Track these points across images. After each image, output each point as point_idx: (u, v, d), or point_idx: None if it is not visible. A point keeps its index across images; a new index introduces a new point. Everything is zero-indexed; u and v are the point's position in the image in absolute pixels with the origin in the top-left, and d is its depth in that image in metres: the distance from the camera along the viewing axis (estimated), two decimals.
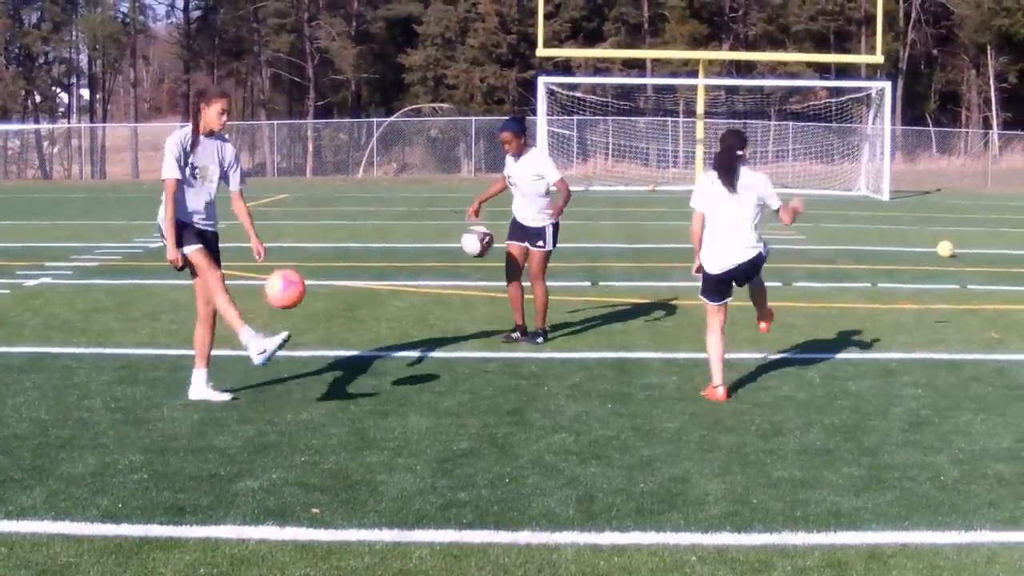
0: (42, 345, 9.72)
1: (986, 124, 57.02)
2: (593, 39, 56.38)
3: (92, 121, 61.69)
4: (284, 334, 7.36)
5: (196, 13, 64.32)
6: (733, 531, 5.30)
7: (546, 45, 42.18)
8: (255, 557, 4.92)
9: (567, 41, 54.17)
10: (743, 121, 44.64)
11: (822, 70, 55.51)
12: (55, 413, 7.34)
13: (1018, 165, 50.52)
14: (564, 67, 52.72)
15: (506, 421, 7.27)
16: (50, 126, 60.69)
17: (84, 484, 5.87)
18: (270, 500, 5.67)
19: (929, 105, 60.12)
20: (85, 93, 66.27)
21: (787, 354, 9.53)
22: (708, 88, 43.33)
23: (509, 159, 10.14)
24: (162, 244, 7.65)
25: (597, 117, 45.97)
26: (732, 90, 49.88)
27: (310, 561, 4.89)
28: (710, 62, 47.47)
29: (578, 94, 44.64)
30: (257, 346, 7.29)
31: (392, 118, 53.03)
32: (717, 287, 8.07)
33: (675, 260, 16.33)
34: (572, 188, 10.43)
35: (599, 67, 55.20)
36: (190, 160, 7.51)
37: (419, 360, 9.22)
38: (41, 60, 60.90)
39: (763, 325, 8.61)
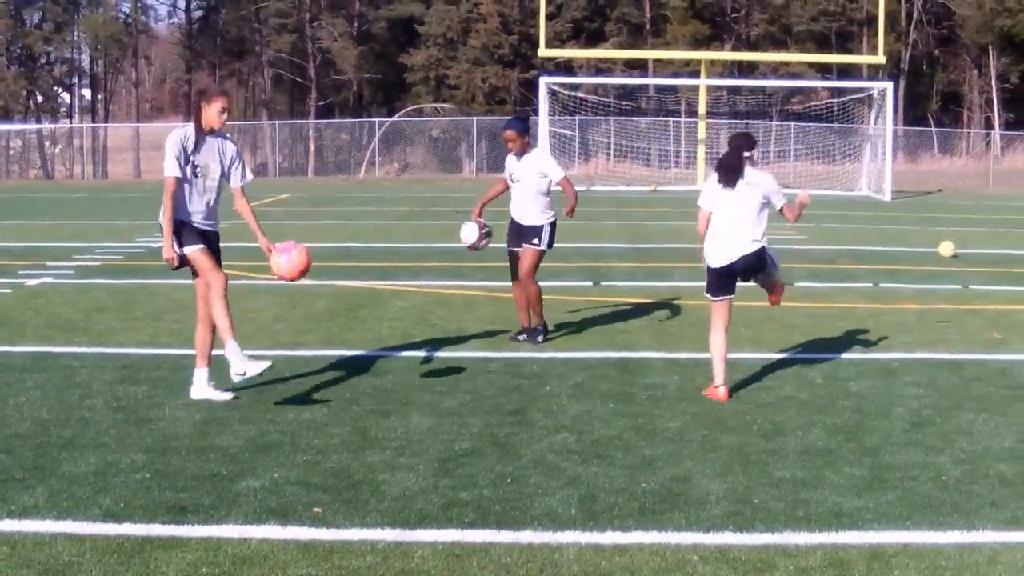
0: (44, 345, 9.72)
1: (988, 124, 57.00)
2: (595, 39, 56.38)
3: (94, 121, 61.72)
4: (267, 364, 7.43)
5: (198, 13, 64.40)
6: (735, 531, 5.30)
7: (548, 45, 42.22)
8: (257, 556, 4.93)
9: (569, 41, 54.19)
10: (745, 121, 44.60)
11: (824, 70, 55.51)
12: (57, 412, 7.34)
13: (1020, 165, 50.51)
14: (566, 67, 52.74)
15: (508, 421, 7.27)
16: (52, 126, 60.73)
17: (86, 483, 5.88)
18: (272, 499, 5.67)
19: (931, 105, 60.12)
20: (87, 93, 66.30)
21: (789, 354, 9.53)
22: (710, 88, 43.35)
23: (511, 158, 10.15)
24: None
25: (599, 117, 45.96)
26: (734, 90, 49.89)
27: (312, 560, 4.90)
28: (712, 62, 47.49)
29: (580, 94, 44.63)
30: (239, 366, 7.38)
31: (394, 118, 53.04)
32: (719, 281, 8.09)
33: (677, 260, 16.34)
34: (574, 188, 10.43)
35: (601, 67, 55.20)
36: (191, 158, 7.51)
37: (421, 360, 9.22)
38: (43, 60, 60.94)
39: (773, 297, 8.64)
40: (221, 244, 7.88)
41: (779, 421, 7.35)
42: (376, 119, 53.99)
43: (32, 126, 58.05)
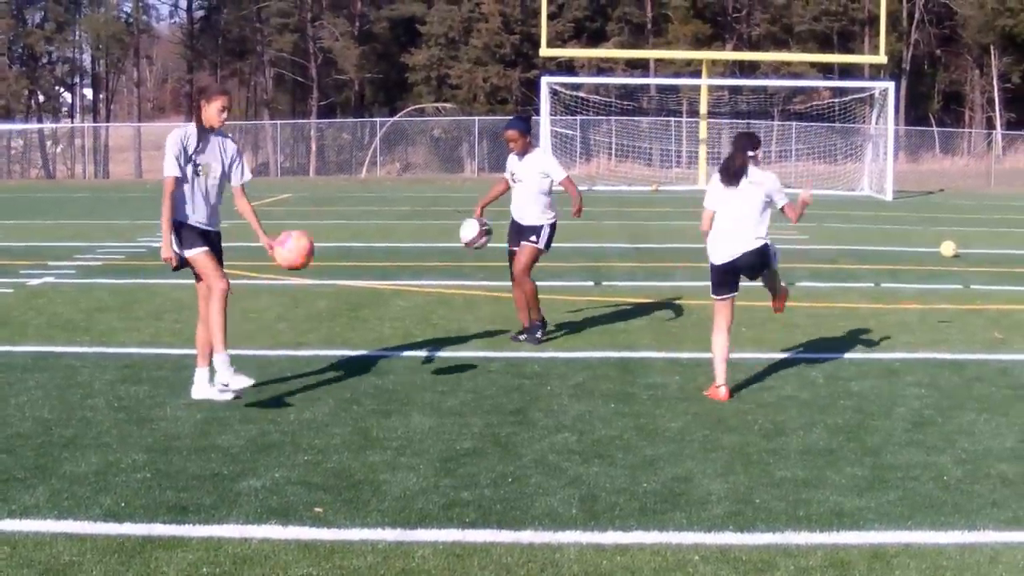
0: (45, 344, 9.73)
1: (989, 124, 57.00)
2: (596, 39, 56.38)
3: (95, 121, 61.75)
4: (251, 382, 7.44)
5: (199, 13, 64.44)
6: (736, 531, 5.30)
7: (549, 45, 42.25)
8: (258, 556, 4.93)
9: (570, 41, 54.19)
10: (746, 121, 44.57)
11: (825, 70, 55.51)
12: (58, 412, 7.35)
13: (1022, 165, 50.50)
14: (567, 67, 52.74)
15: (509, 420, 7.27)
16: (53, 126, 60.76)
17: (87, 483, 5.88)
18: (273, 499, 5.67)
19: (932, 105, 60.10)
20: (88, 93, 66.33)
21: (790, 354, 9.53)
22: (711, 88, 43.37)
23: (513, 158, 10.14)
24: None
25: (600, 117, 45.95)
26: (735, 90, 49.90)
27: (313, 560, 4.89)
28: (713, 62, 47.53)
29: (581, 94, 44.63)
30: (224, 376, 7.42)
31: (395, 118, 53.05)
32: (722, 278, 8.09)
33: (678, 260, 16.33)
34: (577, 188, 10.43)
35: (602, 67, 55.20)
36: (193, 158, 7.49)
37: (422, 359, 9.22)
38: (44, 60, 60.98)
39: (777, 304, 8.64)
40: (224, 244, 7.87)
41: (780, 421, 7.34)
42: (378, 119, 54.00)
43: (34, 126, 58.08)
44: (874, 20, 52.80)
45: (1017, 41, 56.28)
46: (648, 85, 50.37)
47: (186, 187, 7.49)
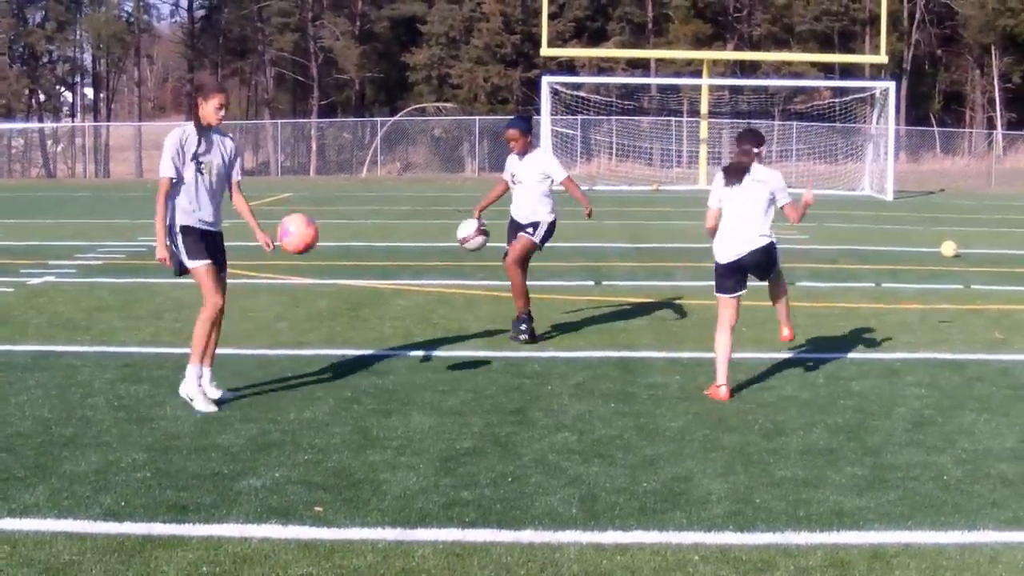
0: (46, 343, 9.73)
1: (990, 124, 57.00)
2: (597, 39, 56.39)
3: (96, 120, 61.78)
4: (213, 409, 7.39)
5: (200, 12, 64.45)
6: (736, 530, 5.30)
7: (550, 45, 42.24)
8: (258, 556, 4.92)
9: (571, 41, 54.20)
10: (747, 121, 44.59)
11: (826, 70, 55.51)
12: (58, 411, 7.35)
13: (1022, 165, 50.50)
14: (568, 67, 52.75)
15: (509, 420, 7.27)
16: (54, 125, 60.78)
17: (87, 482, 5.88)
18: (273, 499, 5.67)
19: (933, 105, 60.10)
20: (89, 92, 66.37)
21: (791, 354, 9.52)
22: (712, 88, 43.37)
23: (513, 158, 10.14)
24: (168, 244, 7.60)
25: (601, 117, 45.96)
26: (736, 90, 49.89)
27: (313, 560, 4.89)
28: (714, 62, 47.52)
29: (582, 94, 44.64)
30: (189, 389, 7.46)
31: (396, 117, 53.05)
32: (730, 276, 8.09)
33: (679, 260, 16.34)
34: (579, 187, 10.42)
35: (603, 67, 55.20)
36: (195, 156, 7.46)
37: (422, 359, 9.22)
38: (45, 59, 61.01)
39: (786, 332, 8.50)
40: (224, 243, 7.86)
41: (781, 421, 7.34)
42: (378, 118, 54.00)
43: (34, 125, 58.09)
44: (875, 20, 52.83)
45: (1018, 41, 56.28)
46: (649, 85, 50.37)
47: (190, 186, 7.44)
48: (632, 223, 23.72)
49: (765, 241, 8.06)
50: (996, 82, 57.62)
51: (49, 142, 57.99)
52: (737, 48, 57.06)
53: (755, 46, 57.57)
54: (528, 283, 10.34)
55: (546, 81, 38.68)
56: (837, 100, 45.01)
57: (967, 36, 58.21)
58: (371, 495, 5.74)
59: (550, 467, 6.26)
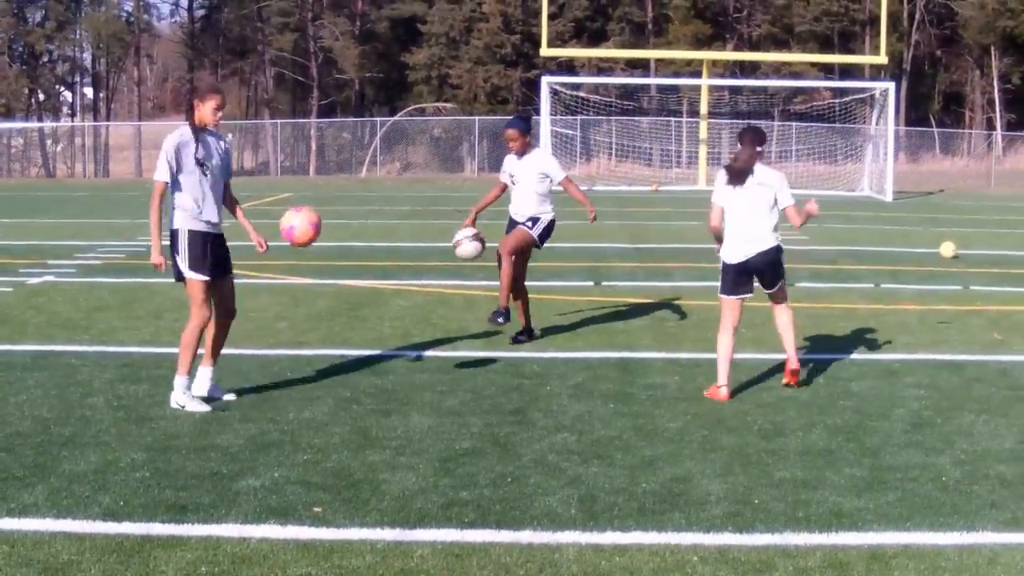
0: (45, 343, 9.73)
1: (990, 125, 57.01)
2: (597, 39, 56.38)
3: (96, 120, 61.75)
4: (207, 408, 7.39)
5: (200, 12, 64.41)
6: (735, 531, 5.30)
7: (550, 45, 42.25)
8: (257, 556, 4.93)
9: (571, 41, 54.20)
10: (747, 121, 44.50)
11: (826, 71, 55.52)
12: (57, 411, 7.35)
13: (1021, 166, 50.51)
14: (568, 67, 52.75)
15: (508, 420, 7.27)
16: (54, 124, 60.77)
17: (86, 482, 5.88)
18: (272, 499, 5.67)
19: (933, 106, 60.11)
20: (89, 92, 66.32)
21: None
22: (712, 88, 43.38)
23: (511, 158, 10.12)
24: (167, 244, 7.60)
25: (601, 117, 45.96)
26: (736, 90, 49.91)
27: (312, 560, 4.89)
28: (714, 62, 47.54)
29: (582, 94, 44.64)
30: (180, 398, 7.44)
31: (396, 117, 53.05)
32: (736, 279, 8.09)
33: (678, 260, 16.34)
34: (578, 188, 10.41)
35: (603, 67, 55.21)
36: (197, 157, 7.45)
37: (422, 359, 9.22)
38: (45, 58, 60.97)
39: (794, 365, 8.21)
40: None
41: (780, 421, 7.34)
42: (378, 118, 54.00)
43: (34, 124, 58.06)
44: (875, 21, 52.84)
45: (1018, 42, 56.29)
46: (648, 85, 50.39)
47: (195, 188, 7.41)
48: (631, 223, 23.72)
49: (774, 244, 8.07)
50: (996, 83, 57.63)
51: (49, 142, 57.97)
52: (737, 48, 57.07)
53: (755, 46, 57.58)
54: (528, 283, 10.34)
55: (546, 81, 38.68)
56: (837, 101, 45.03)
57: (967, 37, 58.22)
58: (370, 495, 5.74)
59: (549, 468, 6.26)
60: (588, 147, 45.55)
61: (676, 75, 51.47)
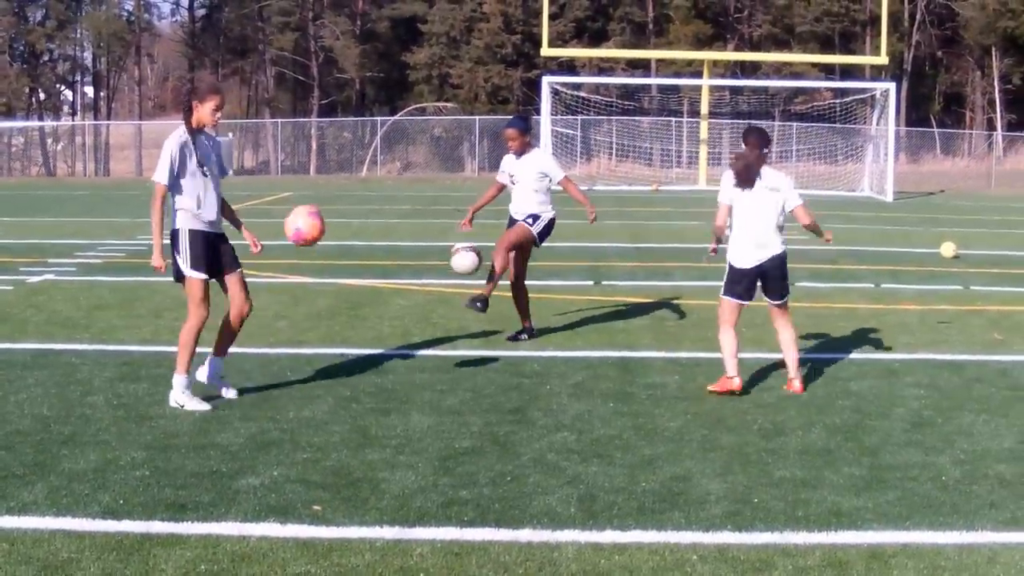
0: (45, 342, 9.73)
1: (990, 126, 57.01)
2: (597, 39, 56.38)
3: (96, 119, 61.77)
4: (207, 407, 7.38)
5: (201, 11, 64.42)
6: (734, 530, 5.30)
7: (550, 45, 42.23)
8: (256, 554, 4.93)
9: (571, 41, 54.19)
10: (747, 121, 44.51)
11: (827, 71, 55.51)
12: (57, 409, 7.35)
13: (1022, 167, 50.51)
14: (568, 67, 52.74)
15: (508, 419, 7.27)
16: (54, 123, 60.78)
17: (86, 480, 5.88)
18: (271, 497, 5.67)
19: (933, 106, 60.12)
20: (89, 91, 66.34)
21: None
22: (712, 88, 43.37)
23: (510, 158, 10.12)
24: (167, 243, 7.59)
25: (601, 117, 45.97)
26: (736, 90, 49.90)
27: (311, 558, 4.90)
28: (715, 62, 47.51)
29: (582, 94, 44.65)
30: (179, 397, 7.44)
31: (396, 117, 53.05)
32: (741, 283, 8.09)
33: (678, 260, 16.34)
34: (578, 187, 10.41)
35: (603, 67, 55.20)
36: (198, 158, 7.45)
37: (421, 358, 9.22)
38: (45, 57, 60.98)
39: (797, 384, 8.18)
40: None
41: (779, 421, 7.34)
42: (378, 118, 54.00)
43: (34, 123, 58.08)
44: (875, 21, 52.82)
45: (1018, 43, 56.30)
46: (649, 85, 50.39)
47: (197, 189, 7.40)
48: (632, 223, 23.72)
49: (780, 250, 8.08)
50: (996, 83, 57.63)
51: (49, 140, 57.97)
52: (737, 49, 57.06)
53: (755, 47, 57.57)
54: (528, 282, 10.34)
55: (546, 81, 38.69)
56: (837, 101, 45.04)
57: (968, 37, 58.22)
58: (369, 494, 5.74)
59: (549, 466, 6.26)
60: (589, 147, 45.56)
61: (677, 75, 51.48)
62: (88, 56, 63.74)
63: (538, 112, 39.53)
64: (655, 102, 51.02)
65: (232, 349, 7.96)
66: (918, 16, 58.57)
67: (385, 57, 59.19)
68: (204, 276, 7.47)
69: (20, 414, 7.22)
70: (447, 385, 8.21)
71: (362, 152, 52.52)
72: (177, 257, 7.46)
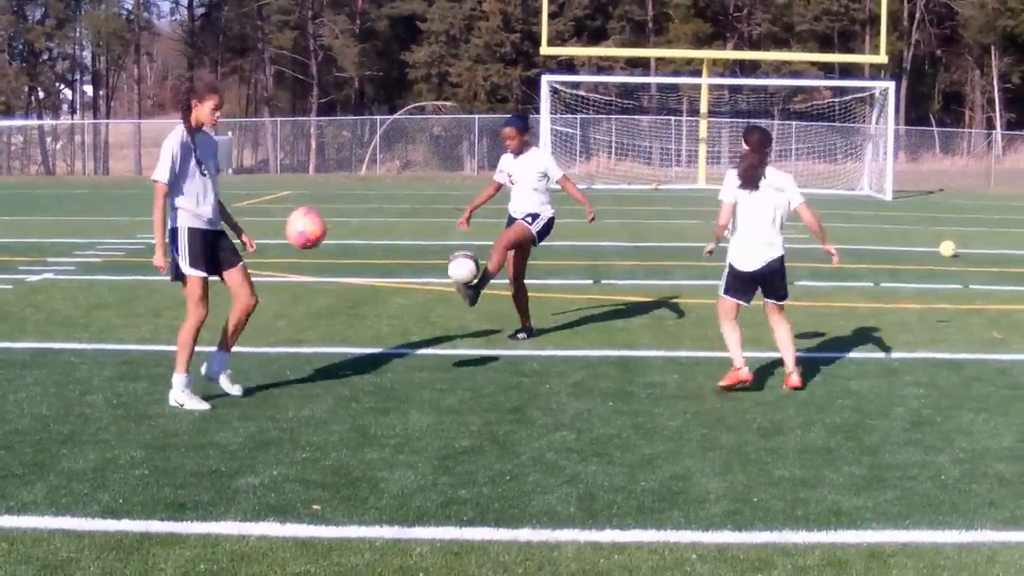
0: (44, 341, 9.72)
1: (989, 124, 57.01)
2: (597, 38, 56.38)
3: (95, 117, 61.77)
4: (206, 407, 7.38)
5: (200, 10, 64.40)
6: (734, 529, 5.30)
7: (550, 44, 42.23)
8: (255, 553, 4.92)
9: (571, 40, 54.20)
10: (747, 120, 44.52)
11: (826, 69, 55.52)
12: (56, 409, 7.34)
13: (1021, 166, 50.52)
14: (568, 65, 52.75)
15: (507, 419, 7.27)
16: (53, 122, 60.78)
17: (85, 480, 5.88)
18: (271, 496, 5.67)
19: (933, 105, 60.11)
20: (89, 89, 66.32)
21: None
22: (712, 87, 43.37)
23: (508, 157, 10.11)
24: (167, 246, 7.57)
25: (600, 116, 45.98)
26: (736, 89, 49.90)
27: (310, 558, 4.89)
28: (714, 61, 47.51)
29: (581, 92, 44.66)
30: (179, 396, 7.44)
31: (395, 116, 53.06)
32: (742, 286, 8.09)
33: (678, 259, 16.34)
34: (576, 186, 10.41)
35: (602, 66, 55.19)
36: (197, 158, 7.44)
37: (421, 357, 9.22)
38: (45, 56, 60.97)
39: (795, 378, 8.19)
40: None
41: (779, 420, 7.34)
42: (378, 116, 54.01)
43: (34, 122, 58.07)
44: (875, 20, 52.82)
45: (1018, 41, 56.29)
46: (648, 84, 50.38)
47: (196, 187, 7.41)
48: (631, 222, 23.72)
49: (781, 252, 8.10)
50: (996, 82, 57.63)
51: (48, 139, 57.97)
52: (737, 47, 57.06)
53: (755, 45, 57.56)
54: (527, 281, 10.35)
55: (546, 80, 38.69)
56: (837, 100, 45.04)
57: (967, 36, 58.22)
58: (369, 493, 5.74)
59: (548, 466, 6.26)
60: (588, 146, 45.56)
61: (676, 74, 51.45)
62: (87, 55, 63.80)
63: (537, 111, 39.53)
64: (654, 101, 51.01)
65: (232, 348, 7.95)
66: (917, 15, 58.57)
67: (384, 56, 59.18)
68: (203, 274, 7.47)
69: (19, 413, 7.22)
70: (446, 384, 8.21)
71: (361, 151, 52.52)
72: (176, 256, 7.45)
